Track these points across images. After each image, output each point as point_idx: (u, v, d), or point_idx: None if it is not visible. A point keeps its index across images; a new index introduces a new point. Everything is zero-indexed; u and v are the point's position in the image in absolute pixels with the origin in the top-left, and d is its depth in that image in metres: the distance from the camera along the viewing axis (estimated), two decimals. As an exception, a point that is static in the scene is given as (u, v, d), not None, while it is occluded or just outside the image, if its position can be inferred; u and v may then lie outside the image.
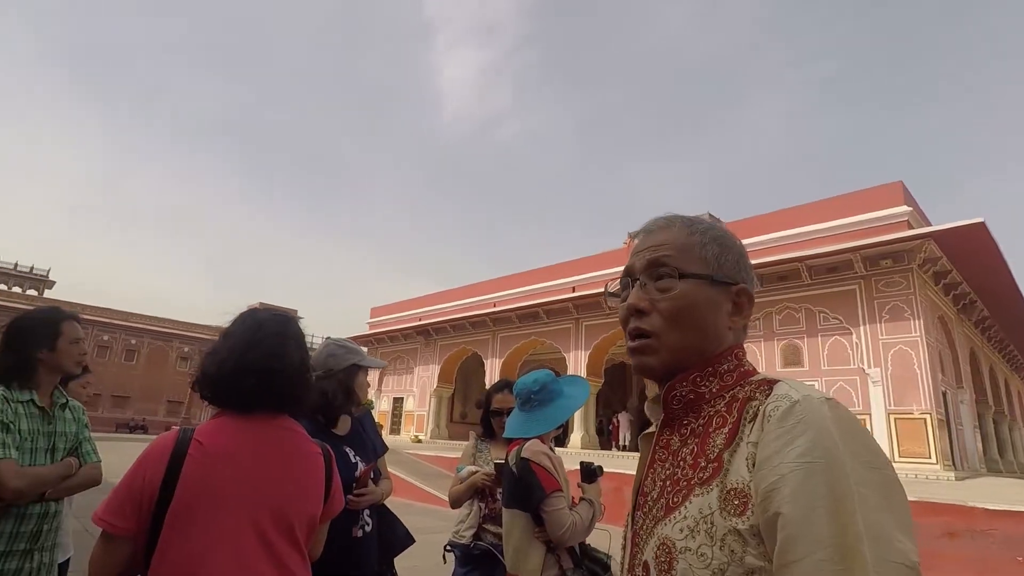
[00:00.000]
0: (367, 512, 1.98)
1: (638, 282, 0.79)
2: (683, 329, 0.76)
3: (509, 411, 2.36)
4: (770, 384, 0.70)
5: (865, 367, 12.23)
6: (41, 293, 42.19)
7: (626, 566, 0.78)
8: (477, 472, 2.48)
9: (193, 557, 1.14)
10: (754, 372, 0.76)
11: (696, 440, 0.73)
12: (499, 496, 2.35)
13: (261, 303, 50.44)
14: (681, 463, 0.73)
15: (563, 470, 2.07)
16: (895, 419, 11.60)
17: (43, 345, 1.95)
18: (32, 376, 1.93)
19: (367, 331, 27.11)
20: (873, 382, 12.06)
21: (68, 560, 2.27)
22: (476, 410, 2.96)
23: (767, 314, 13.86)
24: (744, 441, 0.66)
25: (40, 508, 1.84)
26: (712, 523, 0.64)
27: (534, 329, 19.24)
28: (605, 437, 20.38)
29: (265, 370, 1.29)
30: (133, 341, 42.91)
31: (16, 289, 41.10)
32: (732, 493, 0.64)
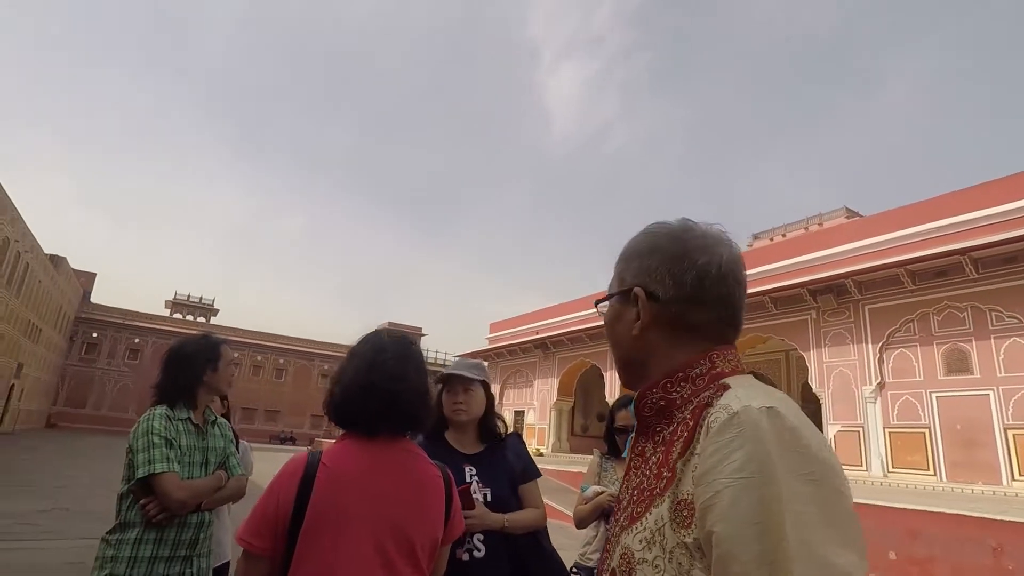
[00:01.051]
0: (478, 537, 1.81)
1: None
2: (613, 346, 0.82)
3: (634, 428, 2.22)
4: (721, 389, 0.67)
5: (1056, 373, 10.40)
6: (208, 320, 48.19)
7: (598, 572, 0.79)
8: (603, 493, 2.37)
9: (321, 575, 1.19)
10: (729, 373, 0.72)
11: (662, 448, 0.71)
12: None
13: (389, 323, 53.58)
14: (648, 472, 0.72)
15: None
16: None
17: (208, 367, 2.17)
18: (195, 396, 2.16)
19: (487, 346, 27.79)
20: (1068, 391, 10.22)
21: (227, 564, 2.49)
22: (598, 422, 2.83)
23: (923, 315, 12.32)
24: (695, 451, 0.64)
25: (197, 518, 2.03)
26: (664, 535, 0.63)
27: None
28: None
29: (388, 392, 1.32)
30: (281, 361, 47.51)
31: (189, 317, 47.35)
32: (681, 504, 0.62)
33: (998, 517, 6.25)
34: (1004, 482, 10.79)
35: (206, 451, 2.14)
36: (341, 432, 1.38)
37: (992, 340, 11.42)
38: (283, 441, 41.14)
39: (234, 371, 2.26)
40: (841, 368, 13.61)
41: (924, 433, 12.04)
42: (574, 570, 2.47)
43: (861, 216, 22.08)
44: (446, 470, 1.44)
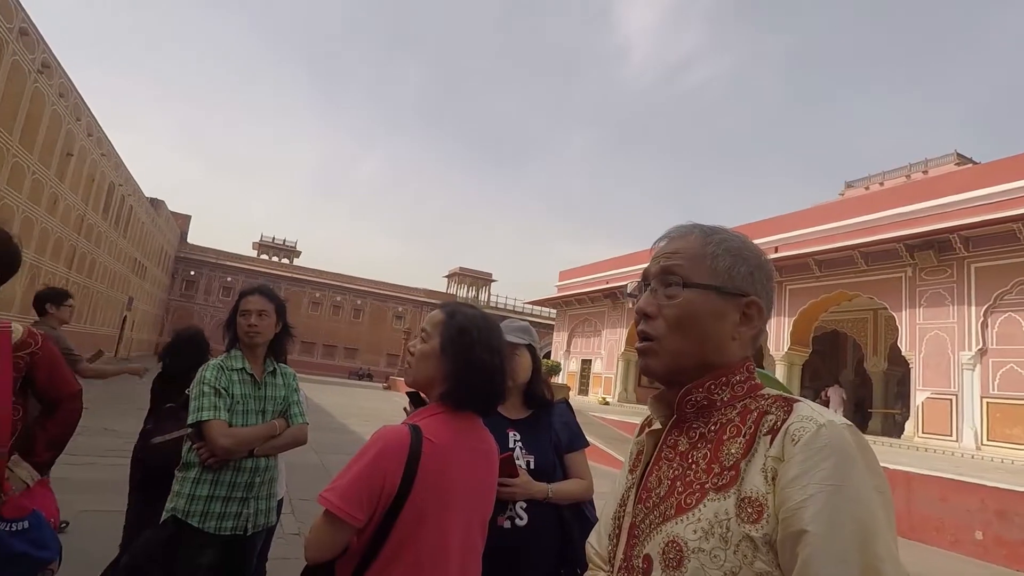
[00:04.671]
0: (520, 505, 1.75)
1: (650, 287, 0.84)
2: (684, 336, 0.79)
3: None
4: (788, 402, 0.73)
5: None
6: (292, 262, 50.86)
7: (620, 555, 0.82)
8: None
9: (426, 555, 1.19)
10: (762, 386, 0.80)
11: (708, 446, 0.76)
12: None
13: (460, 268, 54.41)
14: (693, 466, 0.76)
15: None
16: None
17: (232, 320, 2.23)
18: (234, 345, 2.21)
19: (556, 294, 27.80)
20: None
21: (280, 500, 2.59)
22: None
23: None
24: (760, 453, 0.69)
25: (252, 463, 2.11)
26: (728, 528, 0.67)
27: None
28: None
29: (503, 373, 1.36)
30: (359, 302, 49.67)
31: (274, 258, 50.15)
32: (747, 501, 0.67)
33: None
34: (1120, 463, 9.78)
35: (263, 400, 2.20)
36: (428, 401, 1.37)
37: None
38: (360, 377, 43.52)
39: (248, 320, 2.19)
40: (936, 331, 12.55)
41: (1028, 405, 11.03)
42: None
43: (974, 163, 19.87)
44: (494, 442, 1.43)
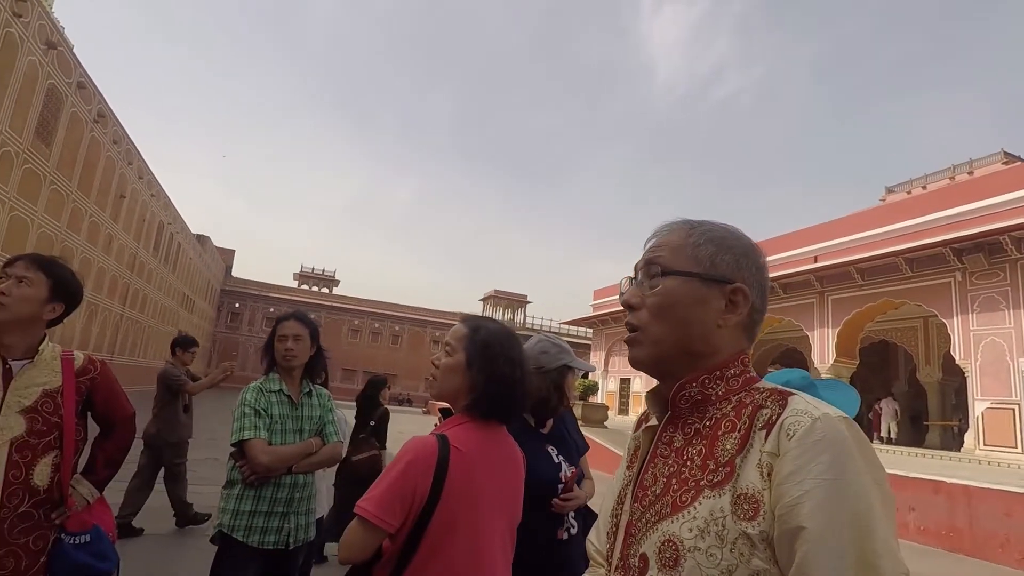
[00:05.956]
0: (572, 514, 1.88)
1: (635, 279, 0.86)
2: (666, 323, 0.79)
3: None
4: (783, 396, 0.72)
5: None
6: (331, 291, 52.08)
7: (617, 554, 0.81)
8: None
9: (459, 559, 1.25)
10: (758, 379, 0.80)
11: (704, 441, 0.75)
12: None
13: (495, 290, 54.58)
14: (688, 463, 0.75)
15: None
16: None
17: (270, 344, 2.35)
18: (272, 368, 2.33)
19: (591, 313, 27.65)
20: None
21: (320, 518, 2.70)
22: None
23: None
24: (756, 448, 0.69)
25: (291, 479, 2.20)
26: (724, 526, 0.66)
27: (769, 305, 17.36)
28: (863, 426, 17.66)
29: (525, 383, 1.43)
30: (396, 328, 50.43)
31: (314, 288, 51.47)
32: (743, 498, 0.67)
33: None
34: None
35: (300, 419, 2.30)
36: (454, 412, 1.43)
37: None
38: (400, 402, 43.90)
39: (286, 345, 2.30)
40: (992, 337, 11.96)
41: (1099, 413, 10.37)
42: None
43: (1023, 161, 19.06)
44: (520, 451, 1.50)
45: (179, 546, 4.75)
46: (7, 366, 1.70)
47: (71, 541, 1.74)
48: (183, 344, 5.40)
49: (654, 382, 0.86)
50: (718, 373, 0.78)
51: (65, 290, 1.82)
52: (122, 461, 2.01)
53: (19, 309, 1.70)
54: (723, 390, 0.78)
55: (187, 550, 4.61)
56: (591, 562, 0.95)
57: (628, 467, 0.91)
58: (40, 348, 1.77)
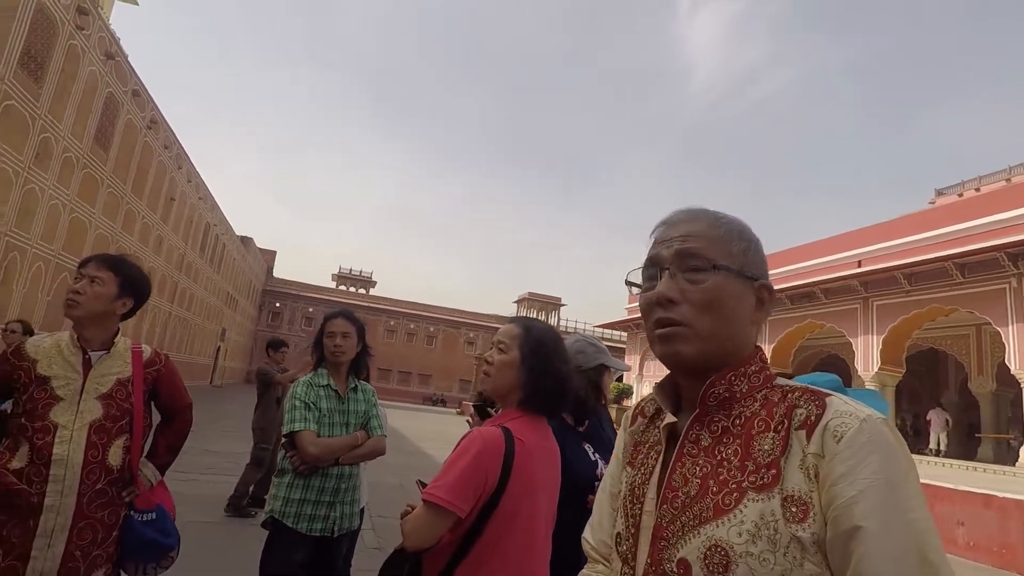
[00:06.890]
0: None
1: (667, 272, 0.80)
2: (715, 319, 0.77)
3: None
4: (818, 396, 0.71)
5: None
6: (368, 292, 53.06)
7: (644, 559, 0.76)
8: None
9: (515, 547, 1.32)
10: (775, 376, 0.79)
11: (737, 441, 0.73)
12: None
13: (529, 293, 54.57)
14: (724, 463, 0.73)
15: None
16: None
17: (319, 341, 2.46)
18: (320, 364, 2.45)
19: (626, 316, 27.44)
20: None
21: (362, 508, 2.79)
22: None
23: None
24: (797, 449, 0.68)
25: (337, 470, 2.32)
26: (776, 530, 0.65)
27: (810, 311, 16.98)
28: (912, 438, 17.03)
29: (568, 378, 1.52)
30: (432, 329, 50.99)
31: (352, 289, 52.53)
32: (791, 500, 0.66)
33: None
34: None
35: (347, 414, 2.42)
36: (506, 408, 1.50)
37: None
38: (435, 403, 44.38)
39: (335, 342, 2.42)
40: (1051, 346, 11.43)
41: None
42: None
43: (1088, 162, 18.10)
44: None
45: (230, 533, 4.99)
46: (87, 356, 1.87)
47: (139, 518, 1.88)
48: (273, 346, 6.36)
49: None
50: (742, 370, 0.77)
51: (133, 286, 1.97)
52: (180, 448, 2.15)
53: (92, 306, 1.86)
54: (746, 387, 0.77)
55: (236, 536, 4.83)
56: (588, 559, 0.94)
57: (628, 465, 0.88)
58: (115, 340, 1.93)
